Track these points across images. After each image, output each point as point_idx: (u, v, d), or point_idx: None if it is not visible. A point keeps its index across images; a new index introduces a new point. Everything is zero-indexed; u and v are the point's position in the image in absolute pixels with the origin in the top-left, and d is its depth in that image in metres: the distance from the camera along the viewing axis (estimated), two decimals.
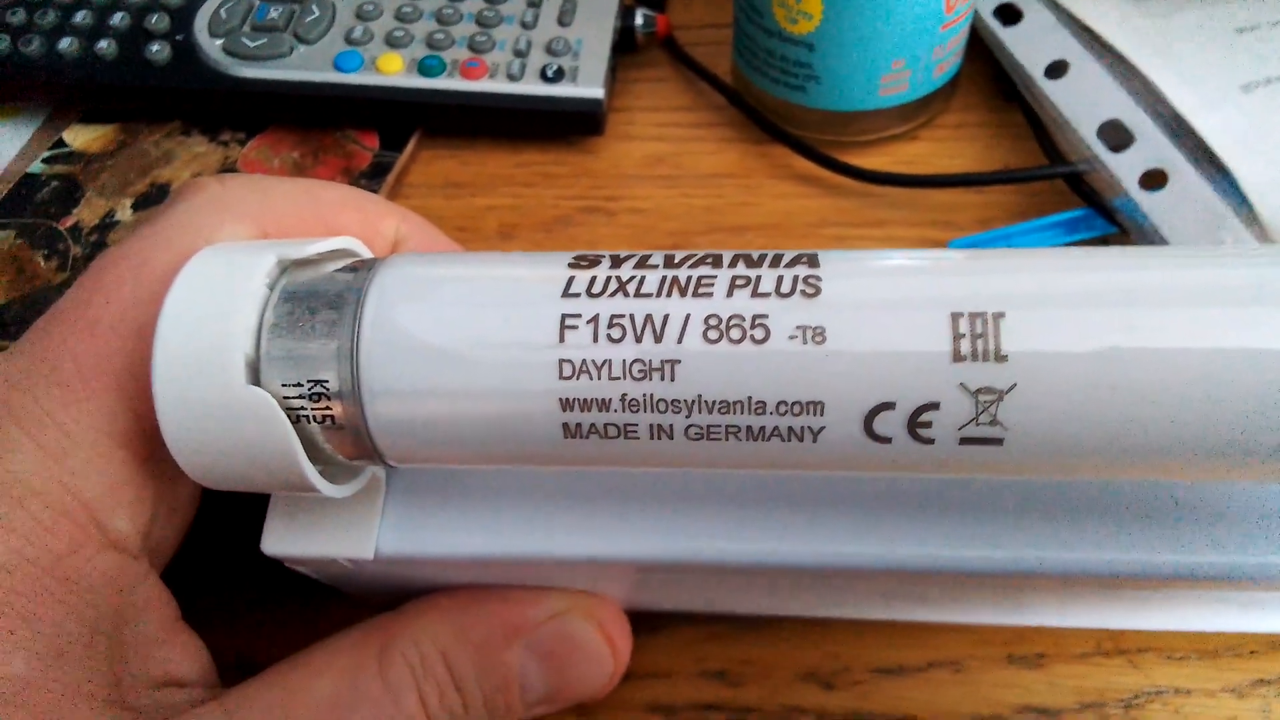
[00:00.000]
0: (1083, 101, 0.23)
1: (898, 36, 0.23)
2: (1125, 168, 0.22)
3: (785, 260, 0.11)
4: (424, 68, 0.26)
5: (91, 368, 0.13)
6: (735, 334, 0.11)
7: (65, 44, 0.27)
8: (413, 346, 0.11)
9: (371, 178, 0.26)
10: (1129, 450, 0.10)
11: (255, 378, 0.11)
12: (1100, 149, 0.23)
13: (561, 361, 0.11)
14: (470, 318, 0.11)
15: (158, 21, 0.27)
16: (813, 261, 0.11)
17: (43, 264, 0.24)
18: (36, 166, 0.27)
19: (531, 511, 0.14)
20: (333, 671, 0.13)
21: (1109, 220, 0.23)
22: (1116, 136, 0.23)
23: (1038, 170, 0.24)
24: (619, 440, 0.11)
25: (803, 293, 0.11)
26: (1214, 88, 0.22)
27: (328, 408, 0.12)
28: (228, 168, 0.27)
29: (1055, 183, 0.24)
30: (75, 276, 0.24)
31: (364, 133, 0.27)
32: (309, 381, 0.12)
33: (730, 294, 0.11)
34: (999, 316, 0.10)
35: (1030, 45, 0.25)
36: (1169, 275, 0.11)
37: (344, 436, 0.12)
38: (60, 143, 0.28)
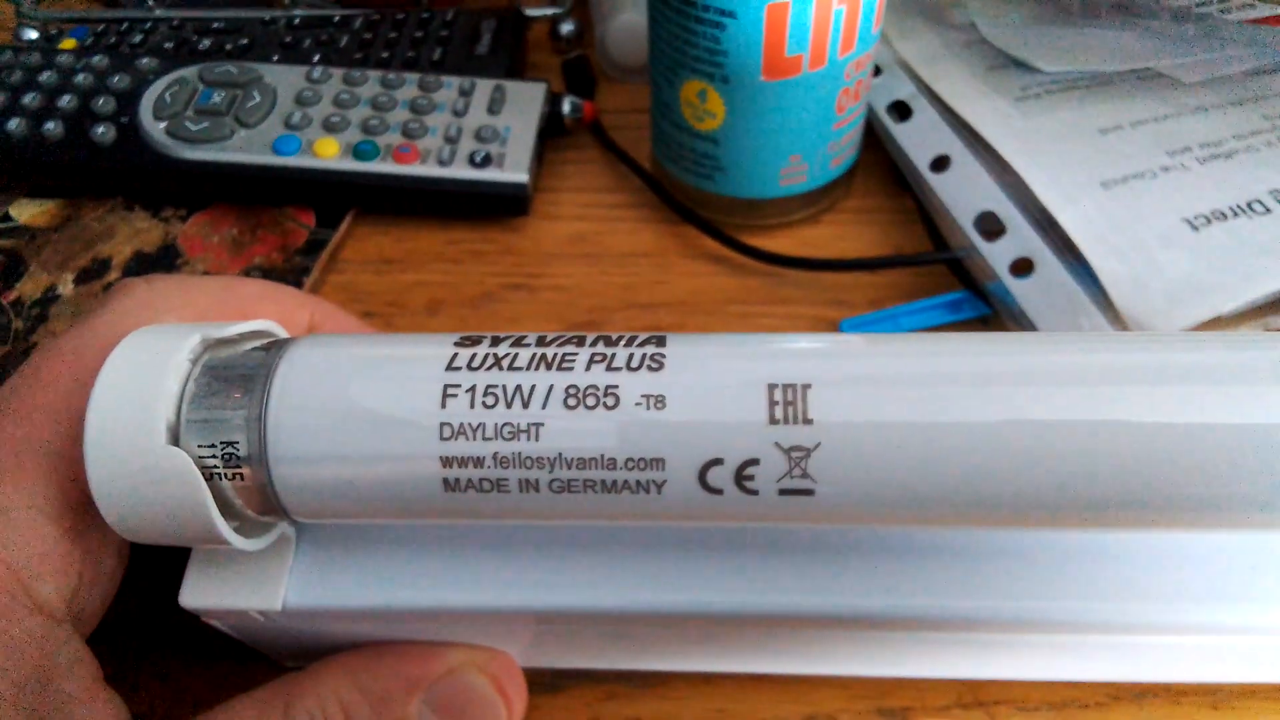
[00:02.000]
0: (962, 193, 0.26)
1: (793, 135, 0.25)
2: (997, 255, 0.24)
3: (638, 340, 0.13)
4: (359, 152, 0.27)
5: (27, 451, 0.14)
6: (590, 401, 0.13)
7: (13, 124, 0.28)
8: (314, 416, 0.13)
9: (307, 254, 0.27)
10: (919, 501, 0.12)
11: (175, 440, 0.13)
12: (976, 237, 0.25)
13: (443, 424, 0.13)
14: (366, 389, 0.13)
15: (104, 104, 0.28)
16: (660, 342, 0.13)
17: None
18: None
19: (429, 566, 0.15)
20: None
21: (985, 302, 0.25)
22: (991, 226, 0.25)
23: (923, 256, 0.26)
24: (493, 494, 0.13)
25: (648, 367, 0.13)
26: (1076, 184, 0.24)
27: (238, 468, 0.13)
28: (168, 244, 0.28)
29: (939, 266, 0.26)
30: (16, 349, 0.25)
31: (301, 211, 0.29)
32: (222, 444, 0.13)
33: (589, 368, 0.13)
34: (806, 388, 0.12)
35: (918, 140, 0.28)
36: (951, 361, 0.13)
37: (253, 494, 0.13)
38: (6, 217, 0.29)
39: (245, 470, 0.13)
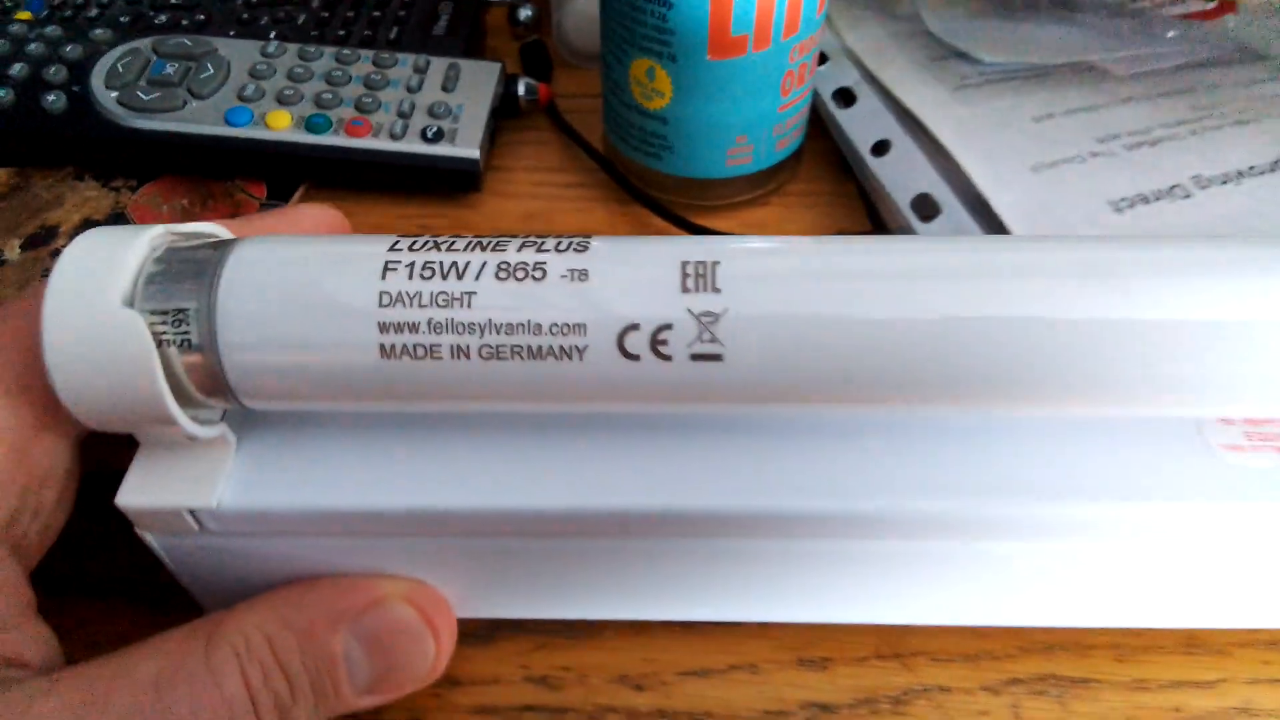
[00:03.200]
0: (900, 177, 0.26)
1: (739, 115, 0.26)
2: (932, 235, 0.25)
3: (567, 237, 0.14)
4: (311, 125, 0.28)
5: None
6: (520, 274, 0.13)
7: None
8: (262, 289, 0.14)
9: None
10: (820, 374, 0.13)
11: (130, 306, 0.13)
12: (913, 218, 0.26)
13: (381, 293, 0.13)
14: (312, 267, 0.14)
15: (55, 73, 0.28)
16: (586, 238, 0.14)
17: None
18: None
19: (364, 473, 0.15)
20: (159, 655, 0.14)
21: None
22: (927, 209, 0.26)
23: (861, 236, 0.27)
24: (426, 361, 0.13)
25: (574, 249, 0.14)
26: (1008, 168, 0.25)
27: (187, 333, 0.13)
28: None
29: None
30: None
31: (252, 183, 0.29)
32: (174, 311, 0.14)
33: (520, 250, 0.14)
34: (715, 264, 0.13)
35: (861, 126, 0.28)
36: (848, 251, 0.14)
37: (201, 371, 0.14)
38: None
39: (193, 338, 0.14)
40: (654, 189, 0.29)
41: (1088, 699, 0.18)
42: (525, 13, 0.36)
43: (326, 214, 0.19)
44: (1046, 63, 0.29)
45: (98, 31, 0.30)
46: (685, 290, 0.13)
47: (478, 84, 0.30)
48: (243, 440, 0.16)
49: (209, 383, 0.14)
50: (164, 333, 0.14)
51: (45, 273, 0.26)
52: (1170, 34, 0.30)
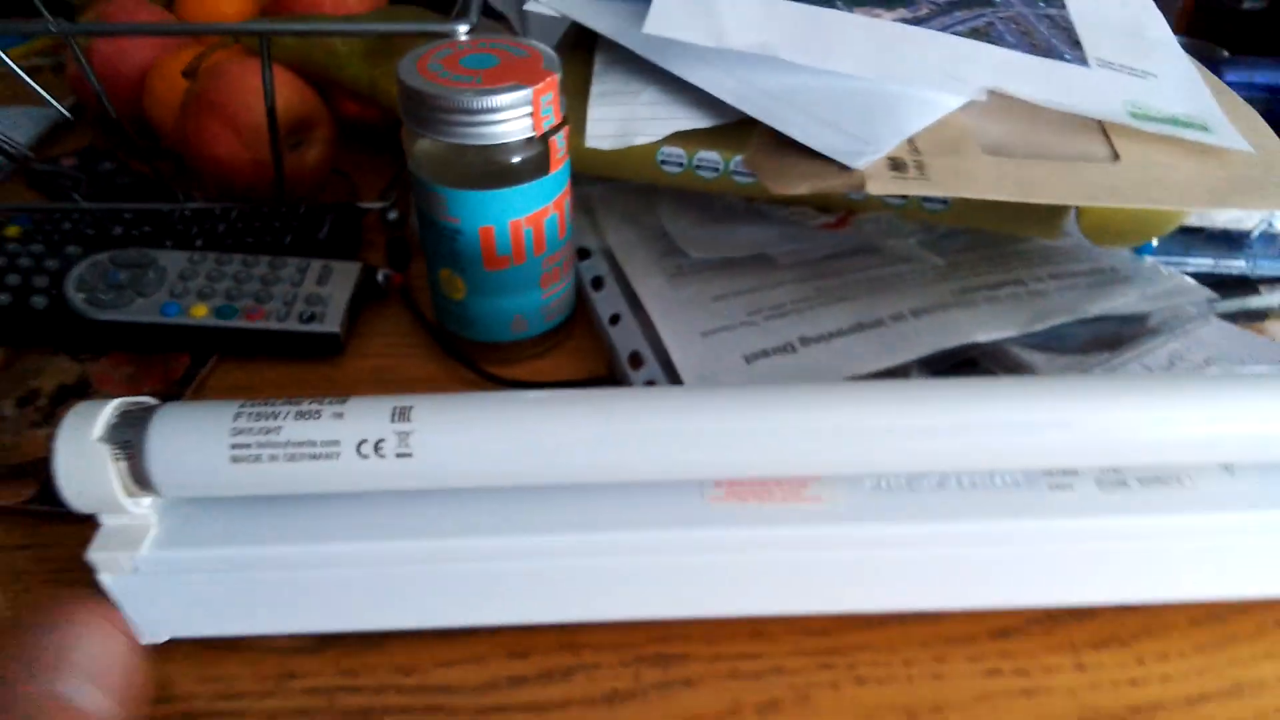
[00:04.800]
0: (623, 339, 0.39)
1: (513, 304, 0.39)
2: (636, 379, 0.38)
3: (333, 399, 0.26)
4: (221, 313, 0.40)
5: None
6: (308, 415, 0.25)
7: None
8: (169, 434, 0.25)
9: (183, 385, 0.39)
10: (468, 471, 0.25)
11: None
12: (627, 368, 0.38)
13: (231, 428, 0.25)
14: (198, 418, 0.26)
15: (39, 281, 0.40)
16: (344, 399, 0.26)
17: None
18: None
19: (233, 527, 0.27)
20: None
21: None
22: (636, 361, 0.38)
23: (596, 378, 0.40)
24: (259, 464, 0.25)
25: (337, 404, 0.25)
26: (686, 336, 0.38)
27: (131, 455, 0.25)
28: (83, 379, 0.39)
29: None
30: None
31: (177, 356, 0.41)
32: (123, 442, 0.25)
33: (309, 404, 0.25)
34: (410, 408, 0.25)
35: (604, 304, 0.41)
36: (479, 400, 0.26)
37: (136, 476, 0.25)
38: None
39: (134, 459, 0.25)
40: (465, 349, 0.41)
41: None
42: (392, 215, 0.49)
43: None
44: (734, 255, 0.42)
45: (70, 248, 0.42)
46: (393, 420, 0.25)
47: (343, 278, 0.42)
48: (162, 518, 0.27)
49: (142, 482, 0.26)
50: (117, 455, 0.25)
51: (32, 424, 0.37)
52: (818, 236, 0.43)
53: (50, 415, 0.37)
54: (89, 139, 0.58)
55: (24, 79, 0.52)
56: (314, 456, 0.25)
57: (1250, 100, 0.43)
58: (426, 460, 0.26)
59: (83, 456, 0.25)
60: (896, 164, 0.33)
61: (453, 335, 0.41)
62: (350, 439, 0.25)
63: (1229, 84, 0.45)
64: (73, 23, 0.43)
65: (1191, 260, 0.46)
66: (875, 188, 0.32)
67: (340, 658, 0.29)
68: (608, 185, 0.47)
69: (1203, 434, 0.27)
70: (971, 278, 0.41)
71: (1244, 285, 0.45)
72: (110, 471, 0.25)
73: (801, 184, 0.33)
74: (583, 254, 0.44)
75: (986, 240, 0.43)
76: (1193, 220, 0.45)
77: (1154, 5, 0.44)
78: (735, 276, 0.42)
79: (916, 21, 0.37)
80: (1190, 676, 0.29)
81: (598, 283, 0.42)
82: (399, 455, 0.25)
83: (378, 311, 0.44)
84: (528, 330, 0.40)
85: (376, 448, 0.25)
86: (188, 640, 0.29)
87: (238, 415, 0.26)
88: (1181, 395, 0.27)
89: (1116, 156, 0.35)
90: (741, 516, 0.28)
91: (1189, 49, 0.44)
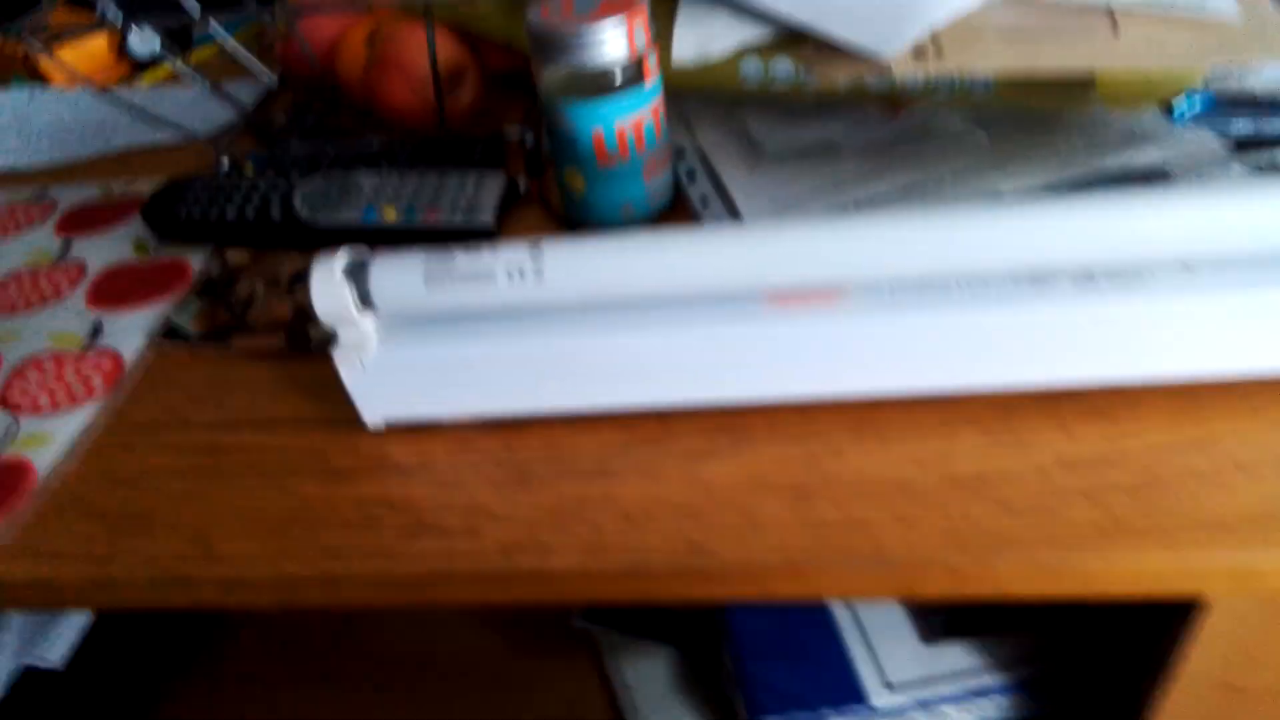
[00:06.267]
0: (710, 214, 0.49)
1: (622, 194, 0.49)
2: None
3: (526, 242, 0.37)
4: (407, 214, 0.52)
5: None
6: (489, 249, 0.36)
7: (229, 212, 0.54)
8: (382, 270, 0.37)
9: None
10: (592, 291, 0.36)
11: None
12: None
13: (425, 264, 0.37)
14: (408, 262, 0.37)
15: (274, 199, 0.54)
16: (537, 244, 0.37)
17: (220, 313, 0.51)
18: (214, 270, 0.54)
19: (430, 348, 0.39)
20: None
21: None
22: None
23: None
24: (451, 286, 0.37)
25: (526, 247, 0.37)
26: (761, 209, 0.48)
27: (360, 284, 0.37)
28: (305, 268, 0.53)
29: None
30: (235, 318, 0.50)
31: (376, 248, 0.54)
32: (355, 274, 0.37)
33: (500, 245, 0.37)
34: (542, 242, 0.36)
35: (696, 192, 0.51)
36: (583, 243, 0.36)
37: (362, 297, 0.38)
38: (225, 259, 0.54)
39: (361, 287, 0.37)
40: (584, 231, 0.52)
41: None
42: (529, 139, 0.61)
43: None
44: (807, 146, 0.51)
45: (294, 175, 0.56)
46: (530, 252, 0.36)
47: (493, 184, 0.54)
48: (380, 333, 0.39)
49: (365, 301, 0.38)
50: (349, 280, 0.37)
51: (276, 299, 0.51)
52: (880, 122, 0.52)
53: (289, 292, 0.51)
54: (292, 100, 0.73)
55: (245, 56, 0.67)
56: (477, 279, 0.37)
57: None
58: (554, 282, 0.36)
59: (329, 282, 0.37)
60: (920, 52, 0.41)
61: (577, 223, 0.52)
62: (501, 268, 0.36)
63: None
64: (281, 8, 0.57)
65: (1234, 125, 0.51)
66: (900, 71, 0.40)
67: (502, 435, 0.41)
68: (700, 97, 0.56)
69: (1156, 232, 0.34)
70: (1010, 146, 0.48)
71: (1273, 143, 0.50)
72: (348, 296, 0.37)
73: (841, 73, 0.41)
74: (679, 154, 0.54)
75: (1028, 118, 0.50)
76: (1232, 86, 0.50)
77: None
78: (806, 165, 0.50)
79: None
80: (1155, 434, 0.36)
81: (691, 175, 0.52)
82: (534, 276, 0.36)
83: (521, 210, 0.56)
84: (635, 215, 0.51)
85: (520, 273, 0.36)
86: (398, 425, 0.41)
87: (428, 258, 0.37)
88: (1139, 204, 0.34)
89: (1117, 33, 0.42)
90: (789, 318, 0.37)
91: None
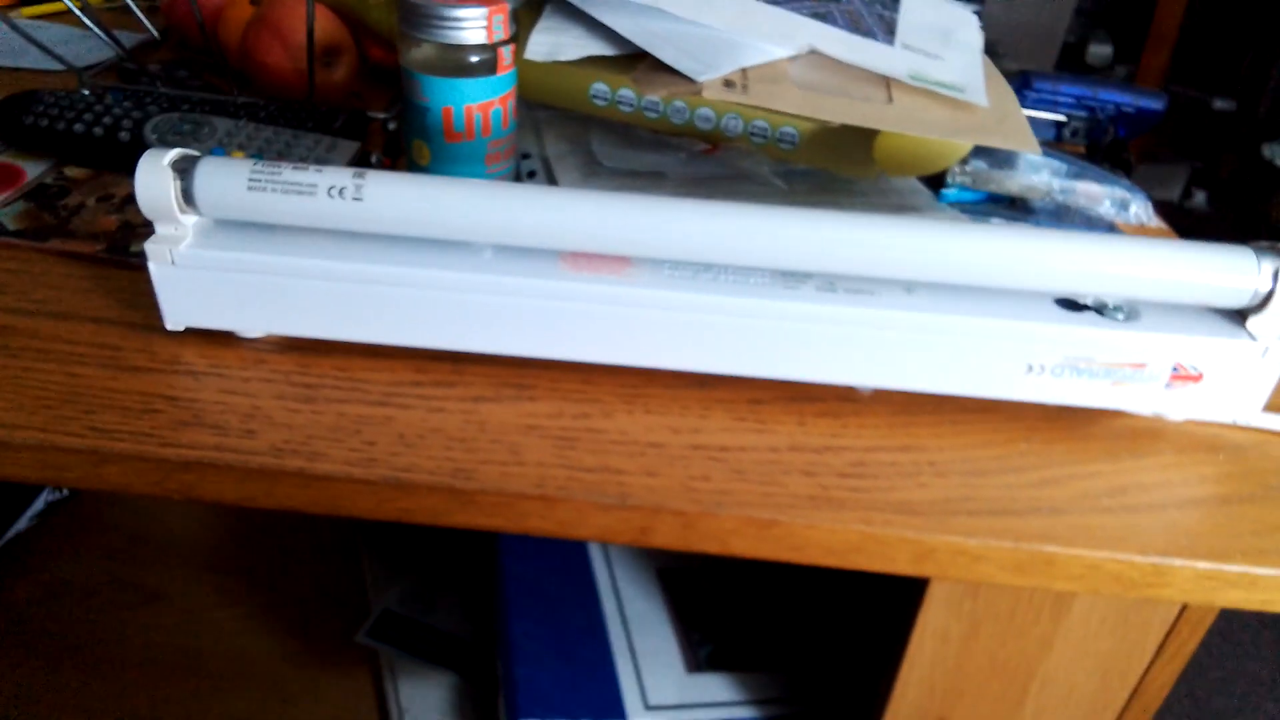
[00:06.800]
0: None
1: (463, 172, 0.53)
2: None
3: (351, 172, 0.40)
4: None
5: None
6: (302, 166, 0.39)
7: (78, 128, 0.55)
8: (208, 169, 0.39)
9: None
10: (403, 219, 0.39)
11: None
12: None
13: (251, 169, 0.39)
14: (229, 162, 0.40)
15: (125, 124, 0.55)
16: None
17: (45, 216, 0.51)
18: (48, 179, 0.54)
19: (242, 242, 0.41)
20: None
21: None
22: None
23: None
24: (265, 193, 0.39)
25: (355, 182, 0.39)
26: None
27: (184, 180, 0.39)
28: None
29: None
30: (60, 224, 0.50)
31: None
32: (181, 170, 0.39)
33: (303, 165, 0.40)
34: (364, 173, 0.39)
35: None
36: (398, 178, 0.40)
37: (185, 196, 0.39)
38: (61, 174, 0.55)
39: (185, 183, 0.39)
40: None
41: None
42: (390, 125, 0.64)
43: None
44: (639, 169, 0.57)
45: (150, 107, 0.57)
46: (353, 177, 0.39)
47: (345, 152, 0.57)
48: (197, 233, 0.41)
49: (189, 201, 0.40)
50: (175, 177, 0.39)
51: (105, 213, 0.51)
52: (698, 157, 0.58)
53: (119, 209, 0.52)
54: (171, 57, 0.74)
55: (131, 6, 0.69)
56: (300, 193, 0.39)
57: (1061, 107, 0.58)
58: (373, 206, 0.39)
59: (154, 174, 0.39)
60: (729, 83, 0.47)
61: None
62: (324, 184, 0.39)
63: (1037, 89, 0.59)
64: None
65: (992, 217, 0.60)
66: (709, 94, 0.46)
67: (298, 356, 0.43)
68: (551, 111, 0.61)
69: (884, 251, 0.40)
70: (802, 196, 0.55)
71: None
72: (171, 187, 0.39)
73: (662, 89, 0.47)
74: (525, 155, 0.59)
75: (823, 177, 0.57)
76: (993, 187, 0.59)
77: (976, 22, 0.58)
78: (635, 185, 0.56)
79: (773, 1, 0.52)
80: (872, 435, 0.42)
81: (531, 175, 0.57)
82: (354, 199, 0.39)
83: None
84: None
85: (341, 192, 0.39)
86: (198, 331, 0.43)
87: (255, 164, 0.40)
88: (878, 228, 0.40)
89: (891, 101, 0.49)
90: (577, 277, 0.41)
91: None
